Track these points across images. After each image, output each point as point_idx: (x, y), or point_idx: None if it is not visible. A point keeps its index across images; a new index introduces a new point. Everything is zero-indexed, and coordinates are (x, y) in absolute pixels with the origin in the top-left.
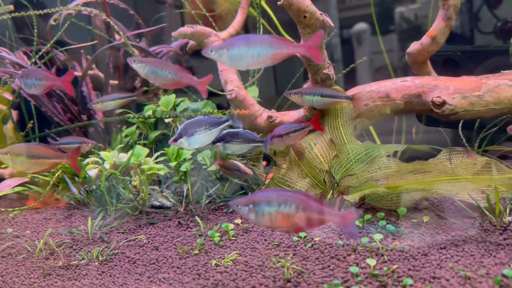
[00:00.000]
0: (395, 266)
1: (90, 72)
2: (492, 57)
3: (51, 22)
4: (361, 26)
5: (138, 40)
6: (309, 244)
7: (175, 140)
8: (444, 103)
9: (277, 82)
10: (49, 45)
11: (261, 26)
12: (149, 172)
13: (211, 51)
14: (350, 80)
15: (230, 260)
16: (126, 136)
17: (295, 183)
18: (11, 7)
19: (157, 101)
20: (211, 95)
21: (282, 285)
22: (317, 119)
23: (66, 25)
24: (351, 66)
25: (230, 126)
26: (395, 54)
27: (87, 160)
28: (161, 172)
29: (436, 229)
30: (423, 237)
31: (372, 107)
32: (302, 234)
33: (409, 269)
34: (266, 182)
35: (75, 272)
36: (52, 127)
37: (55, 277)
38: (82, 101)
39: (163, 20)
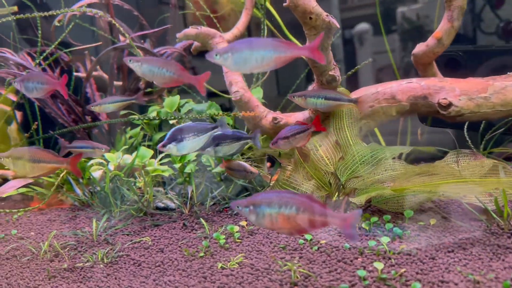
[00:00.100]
0: (403, 270)
1: (94, 73)
2: (494, 57)
3: (55, 23)
4: (363, 26)
5: (142, 41)
6: (315, 247)
7: (164, 146)
8: (450, 104)
9: (280, 84)
10: (53, 46)
11: (266, 27)
12: (153, 174)
13: (216, 55)
14: (352, 80)
15: (236, 263)
16: (130, 137)
17: (300, 185)
18: (15, 8)
19: (161, 102)
20: (214, 96)
21: None
22: (319, 120)
23: (70, 26)
24: (356, 67)
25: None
26: (396, 54)
27: (92, 161)
28: (166, 174)
29: (443, 232)
30: (430, 240)
31: (377, 108)
32: (308, 237)
33: (417, 273)
34: (271, 184)
35: (80, 275)
36: (56, 128)
37: (60, 279)
38: (86, 102)
39: (167, 21)
